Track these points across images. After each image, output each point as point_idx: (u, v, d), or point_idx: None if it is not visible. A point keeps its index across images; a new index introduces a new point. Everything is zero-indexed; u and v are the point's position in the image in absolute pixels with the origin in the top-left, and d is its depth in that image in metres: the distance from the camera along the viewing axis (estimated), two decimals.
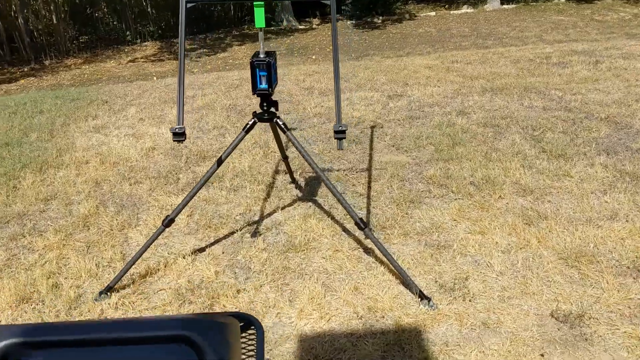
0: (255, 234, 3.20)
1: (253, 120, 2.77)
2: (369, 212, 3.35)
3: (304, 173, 3.89)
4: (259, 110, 2.77)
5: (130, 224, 3.33)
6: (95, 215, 3.43)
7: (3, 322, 2.54)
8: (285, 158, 3.43)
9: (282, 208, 3.44)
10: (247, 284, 2.76)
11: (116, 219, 3.37)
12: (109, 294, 2.69)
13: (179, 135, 2.28)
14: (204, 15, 17.39)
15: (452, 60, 6.82)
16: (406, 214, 3.32)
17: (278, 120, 2.76)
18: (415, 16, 15.40)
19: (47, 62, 14.84)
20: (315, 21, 18.15)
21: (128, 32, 16.40)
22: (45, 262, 2.97)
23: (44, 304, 2.65)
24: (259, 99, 2.74)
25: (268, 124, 2.84)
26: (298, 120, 4.87)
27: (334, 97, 2.30)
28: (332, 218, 3.30)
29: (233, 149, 2.79)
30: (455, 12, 14.89)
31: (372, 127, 4.63)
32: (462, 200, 3.42)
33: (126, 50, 15.64)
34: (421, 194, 3.53)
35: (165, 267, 2.89)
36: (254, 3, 2.52)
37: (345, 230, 3.16)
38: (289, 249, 3.02)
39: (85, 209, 3.48)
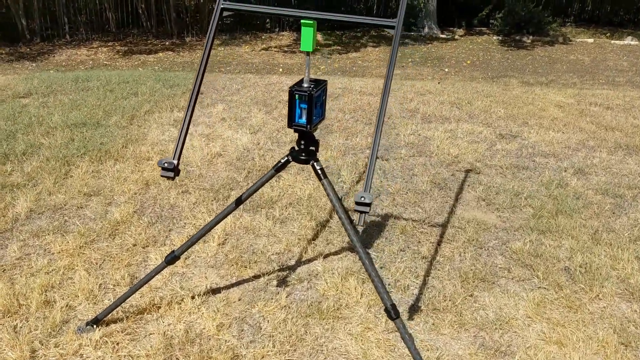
0: (282, 283, 2.73)
1: (286, 158, 2.30)
2: (424, 283, 2.75)
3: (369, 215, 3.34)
4: (297, 148, 2.29)
5: (156, 241, 2.99)
6: (127, 223, 3.13)
7: None
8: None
9: (325, 256, 2.94)
10: (248, 349, 2.30)
11: (145, 233, 3.05)
12: (94, 326, 2.35)
13: (167, 171, 1.85)
14: (347, 12, 17.11)
15: (591, 102, 5.87)
16: (470, 295, 2.69)
17: (315, 164, 2.26)
18: (570, 41, 14.04)
19: (187, 39, 15.31)
20: (459, 32, 17.21)
21: (268, 20, 16.50)
22: (52, 271, 2.70)
23: (27, 321, 2.37)
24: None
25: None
26: (385, 148, 4.31)
27: (370, 156, 1.76)
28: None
29: (257, 189, 2.33)
30: (617, 42, 13.35)
31: (467, 172, 3.97)
32: (546, 290, 2.73)
33: (263, 37, 15.74)
34: (497, 272, 2.87)
35: (169, 305, 2.51)
36: (302, 22, 2.03)
37: None
38: (314, 312, 2.52)
39: (120, 214, 3.20)
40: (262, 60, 13.38)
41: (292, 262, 2.89)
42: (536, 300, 2.64)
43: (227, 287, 2.68)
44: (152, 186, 3.56)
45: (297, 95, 2.14)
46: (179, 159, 1.88)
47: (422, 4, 16.04)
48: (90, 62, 12.81)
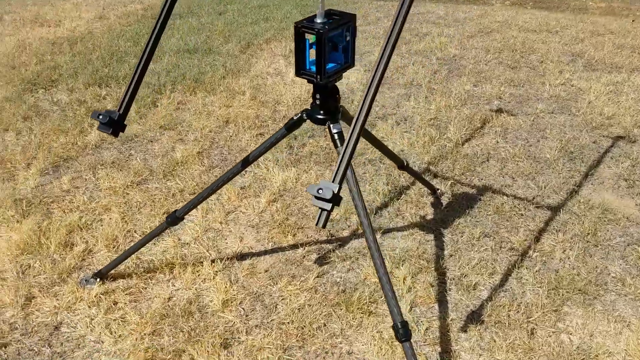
0: (322, 259, 2.29)
1: (300, 115, 1.80)
2: (499, 284, 2.13)
3: (457, 186, 2.72)
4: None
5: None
6: (185, 165, 2.88)
7: None
8: (401, 166, 2.35)
9: (387, 232, 2.42)
10: (248, 335, 1.95)
11: (199, 178, 2.77)
12: (97, 280, 2.16)
13: (105, 126, 1.47)
14: None
15: None
16: (556, 310, 2.03)
17: (332, 126, 1.74)
18: None
19: None
20: None
21: None
22: (88, 210, 2.56)
23: (40, 262, 2.25)
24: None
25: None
26: (518, 100, 3.51)
27: (348, 136, 1.22)
28: (440, 275, 2.18)
29: (266, 150, 1.88)
30: None
31: (617, 139, 3.07)
32: None
33: None
34: (606, 282, 2.14)
35: (184, 267, 2.22)
36: None
37: (436, 316, 2.06)
38: (342, 302, 2.07)
39: (182, 154, 2.95)
40: None
41: (345, 234, 2.43)
42: None
43: (259, 254, 2.32)
44: (231, 124, 3.26)
45: (304, 33, 1.61)
46: (125, 111, 1.49)
47: None
48: None
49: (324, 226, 1.18)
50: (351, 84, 3.76)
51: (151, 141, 3.12)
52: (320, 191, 1.16)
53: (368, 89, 1.22)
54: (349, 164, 1.21)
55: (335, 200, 1.16)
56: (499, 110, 3.38)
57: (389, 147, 2.95)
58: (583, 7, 10.56)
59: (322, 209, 1.17)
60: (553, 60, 4.11)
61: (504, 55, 4.21)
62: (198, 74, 3.84)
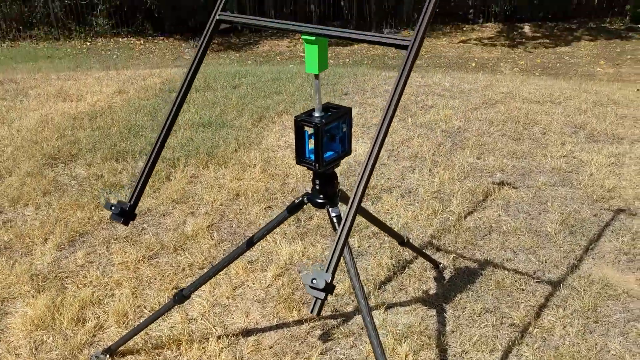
0: (325, 335, 2.34)
1: (301, 199, 1.91)
2: None
3: (459, 259, 2.78)
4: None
5: (215, 263, 2.79)
6: (195, 239, 2.98)
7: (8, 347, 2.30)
8: (402, 243, 2.42)
9: (390, 307, 2.48)
10: None
11: (208, 252, 2.87)
12: (107, 356, 2.22)
13: (118, 217, 1.58)
14: (564, 1, 15.40)
15: None
16: None
17: (331, 210, 1.84)
18: None
19: (385, 31, 15.12)
20: None
21: (471, 10, 15.55)
22: (101, 285, 2.65)
23: (53, 338, 2.33)
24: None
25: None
26: (521, 173, 3.60)
27: (343, 221, 1.31)
28: (442, 352, 2.22)
29: (269, 231, 1.98)
30: None
31: (618, 212, 3.13)
32: None
33: (464, 28, 14.90)
34: (606, 358, 2.16)
35: (192, 344, 2.29)
36: (303, 38, 1.62)
37: None
38: None
39: (193, 228, 3.06)
40: (457, 53, 12.68)
41: (349, 309, 2.49)
42: None
43: (264, 330, 2.38)
44: (241, 197, 3.38)
45: (304, 127, 1.74)
46: (135, 202, 1.61)
47: None
48: (288, 53, 13.30)
49: (318, 314, 1.26)
50: (358, 157, 3.88)
51: (164, 215, 3.24)
52: (314, 281, 1.25)
53: (358, 185, 1.31)
54: (342, 252, 1.30)
55: (329, 289, 1.24)
56: (501, 183, 3.47)
57: (393, 220, 3.05)
58: (591, 73, 10.77)
59: (317, 298, 1.25)
60: (555, 132, 4.22)
61: (507, 127, 4.33)
62: (211, 148, 4.00)
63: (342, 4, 15.58)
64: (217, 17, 1.71)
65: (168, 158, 3.83)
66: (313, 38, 1.61)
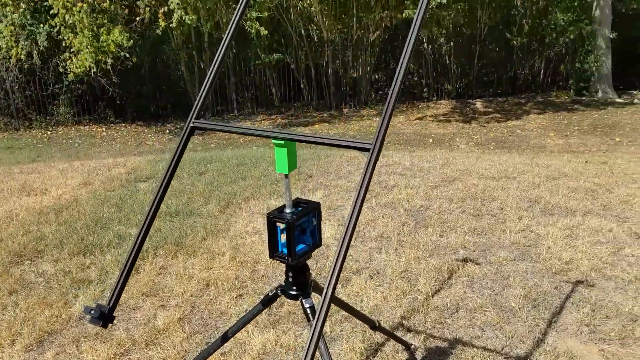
0: None
1: (275, 291, 1.97)
2: None
3: (429, 339, 2.84)
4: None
5: (186, 359, 2.79)
6: (166, 332, 2.98)
7: None
8: (373, 327, 2.48)
9: None
10: None
11: (180, 346, 2.86)
12: None
13: (97, 320, 1.62)
14: (512, 76, 16.30)
15: None
16: None
17: (304, 301, 1.90)
18: None
19: (345, 110, 15.62)
20: None
21: (426, 89, 16.27)
22: None
23: None
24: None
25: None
26: (482, 248, 3.74)
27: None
28: None
29: (244, 325, 2.03)
30: None
31: (577, 284, 3.27)
32: None
33: (419, 106, 15.52)
34: None
35: None
36: (273, 142, 1.74)
37: None
38: None
39: (164, 322, 3.06)
40: (414, 130, 13.13)
41: None
42: None
43: None
44: (212, 287, 3.40)
45: (276, 222, 1.83)
46: (114, 304, 1.65)
47: (594, 67, 14.76)
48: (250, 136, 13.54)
49: None
50: (326, 240, 3.97)
51: (134, 309, 3.23)
52: None
53: (329, 281, 1.39)
54: (317, 344, 1.36)
55: None
56: (465, 260, 3.59)
57: (364, 303, 3.11)
58: (542, 145, 11.27)
59: None
60: (512, 207, 4.41)
61: (467, 204, 4.51)
62: (179, 237, 4.04)
63: (302, 86, 16.10)
64: (192, 125, 1.83)
65: None
66: (282, 142, 1.74)
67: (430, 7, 12.99)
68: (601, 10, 14.71)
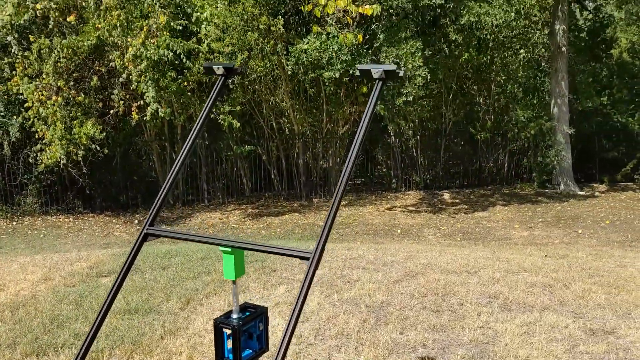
0: None
1: None
2: None
3: None
4: None
5: None
6: None
7: None
8: None
9: None
10: None
11: None
12: None
13: None
14: (477, 169, 16.84)
15: None
16: None
17: None
18: None
19: (315, 200, 15.81)
20: (601, 188, 16.06)
21: (394, 180, 16.65)
22: None
23: None
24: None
25: None
26: (441, 347, 3.76)
27: None
28: None
29: None
30: None
31: None
32: None
33: (388, 197, 15.81)
34: None
35: None
36: (221, 249, 1.81)
37: None
38: None
39: None
40: (383, 220, 13.30)
41: None
42: None
43: None
44: None
45: (222, 328, 1.86)
46: None
47: (555, 161, 15.35)
48: (221, 225, 13.54)
49: None
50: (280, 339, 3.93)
51: None
52: None
53: None
54: None
55: None
56: (423, 359, 3.59)
57: None
58: (508, 236, 11.50)
59: None
60: (472, 303, 4.46)
61: (428, 300, 4.55)
62: (137, 336, 3.98)
63: (272, 176, 16.33)
64: (145, 231, 1.89)
65: (92, 350, 3.77)
66: (230, 249, 1.80)
67: (397, 103, 13.53)
68: (559, 107, 15.48)
